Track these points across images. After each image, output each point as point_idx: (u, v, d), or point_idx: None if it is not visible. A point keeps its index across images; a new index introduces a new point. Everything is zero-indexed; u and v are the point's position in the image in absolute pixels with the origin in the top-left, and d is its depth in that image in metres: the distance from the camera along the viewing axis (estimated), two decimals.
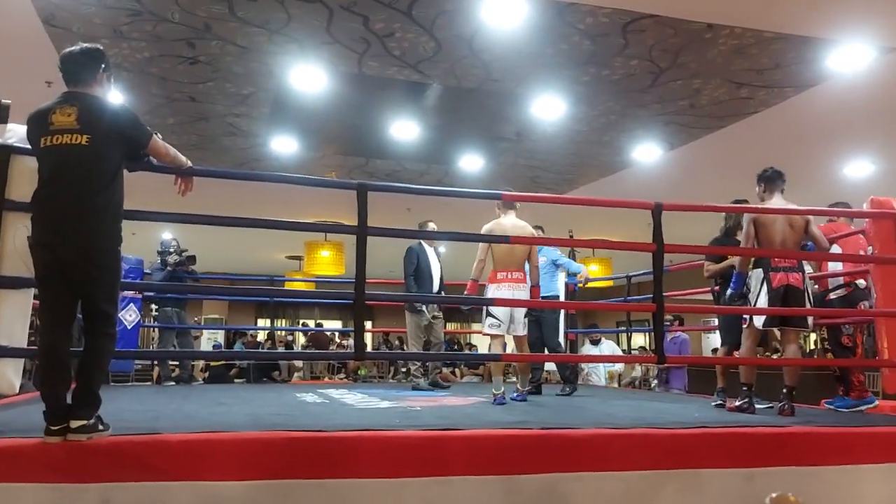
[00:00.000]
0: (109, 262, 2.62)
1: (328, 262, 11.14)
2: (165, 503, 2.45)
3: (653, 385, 9.38)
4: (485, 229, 4.75)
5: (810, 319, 4.31)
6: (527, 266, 4.81)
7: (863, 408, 4.39)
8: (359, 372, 11.97)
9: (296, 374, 11.50)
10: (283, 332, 14.60)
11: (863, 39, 5.16)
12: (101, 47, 2.80)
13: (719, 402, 4.56)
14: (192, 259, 7.29)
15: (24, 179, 2.94)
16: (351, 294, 3.48)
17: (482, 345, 16.29)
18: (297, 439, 2.70)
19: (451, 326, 17.02)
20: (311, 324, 17.37)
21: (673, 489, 2.94)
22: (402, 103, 6.68)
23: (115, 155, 2.66)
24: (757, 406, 4.20)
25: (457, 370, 11.52)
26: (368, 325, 4.74)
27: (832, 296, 4.72)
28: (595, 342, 8.60)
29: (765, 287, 4.13)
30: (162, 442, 2.57)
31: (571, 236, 8.80)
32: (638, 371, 10.17)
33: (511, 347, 5.13)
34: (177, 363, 8.01)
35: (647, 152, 7.86)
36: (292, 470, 2.60)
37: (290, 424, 3.01)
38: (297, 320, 17.85)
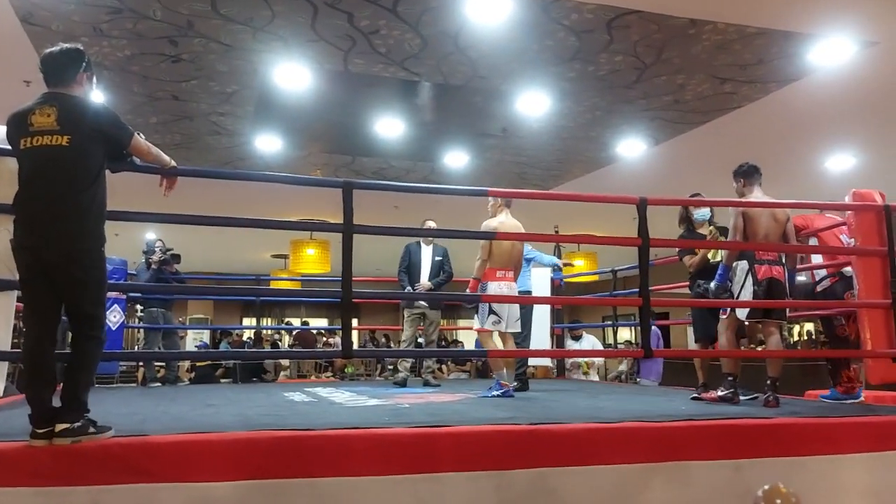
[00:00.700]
0: (94, 264, 2.59)
1: (314, 260, 11.09)
2: None
3: (639, 379, 9.44)
4: (489, 228, 4.80)
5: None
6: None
7: (848, 402, 4.44)
8: (346, 370, 11.95)
9: (282, 373, 11.45)
10: (270, 332, 14.55)
11: (844, 34, 5.21)
12: (82, 47, 2.78)
13: (695, 395, 4.59)
14: (177, 258, 7.23)
15: (5, 181, 2.90)
16: (338, 292, 3.47)
17: (468, 341, 16.34)
18: (286, 439, 2.69)
19: (441, 323, 17.01)
20: (297, 322, 17.32)
21: (661, 481, 2.96)
22: (388, 101, 6.66)
23: (96, 155, 2.63)
24: (742, 397, 4.24)
25: (444, 367, 11.53)
26: (354, 322, 4.72)
27: (819, 288, 4.77)
28: (576, 338, 8.62)
29: (750, 279, 4.17)
30: (150, 444, 2.55)
31: (557, 231, 8.82)
32: (624, 365, 10.23)
33: (497, 343, 5.14)
34: (162, 364, 7.95)
35: (633, 147, 7.90)
36: (282, 469, 2.59)
37: (280, 424, 2.99)
38: (283, 319, 17.78)
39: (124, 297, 6.71)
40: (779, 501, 2.03)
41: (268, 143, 7.78)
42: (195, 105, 6.67)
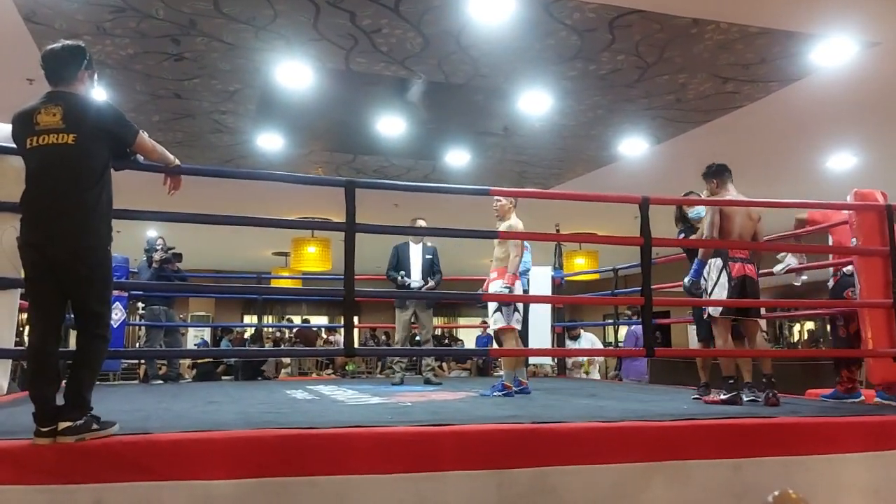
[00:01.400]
0: (99, 262, 2.60)
1: (315, 258, 11.11)
2: (158, 503, 2.45)
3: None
4: (522, 228, 5.02)
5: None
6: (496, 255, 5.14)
7: (848, 401, 4.45)
8: (347, 367, 11.96)
9: (283, 371, 11.47)
10: (272, 329, 14.56)
11: (846, 34, 5.21)
12: (83, 44, 2.77)
13: (696, 396, 4.60)
14: (179, 256, 7.24)
15: (10, 179, 2.91)
16: (340, 291, 3.48)
17: (468, 340, 16.35)
18: (288, 437, 2.71)
19: (437, 321, 17.04)
20: (298, 319, 17.33)
21: (662, 480, 2.97)
22: (390, 99, 6.66)
23: (101, 153, 2.64)
24: (744, 398, 4.24)
25: (444, 365, 11.55)
26: (355, 320, 4.72)
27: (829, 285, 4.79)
28: (574, 337, 8.62)
29: (724, 276, 4.22)
30: (153, 442, 2.56)
31: (558, 230, 8.83)
32: None
33: (513, 342, 5.17)
34: (164, 361, 7.97)
35: (634, 146, 7.90)
36: (285, 468, 2.60)
37: (282, 422, 3.01)
38: (284, 316, 17.79)
39: (126, 294, 6.73)
40: None
41: (269, 142, 7.79)
42: (197, 103, 6.68)
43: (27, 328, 2.64)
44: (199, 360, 9.95)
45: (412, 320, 6.28)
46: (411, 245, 6.37)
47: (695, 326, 5.09)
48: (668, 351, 7.42)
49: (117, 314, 6.41)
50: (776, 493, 2.08)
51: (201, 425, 2.88)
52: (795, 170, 8.68)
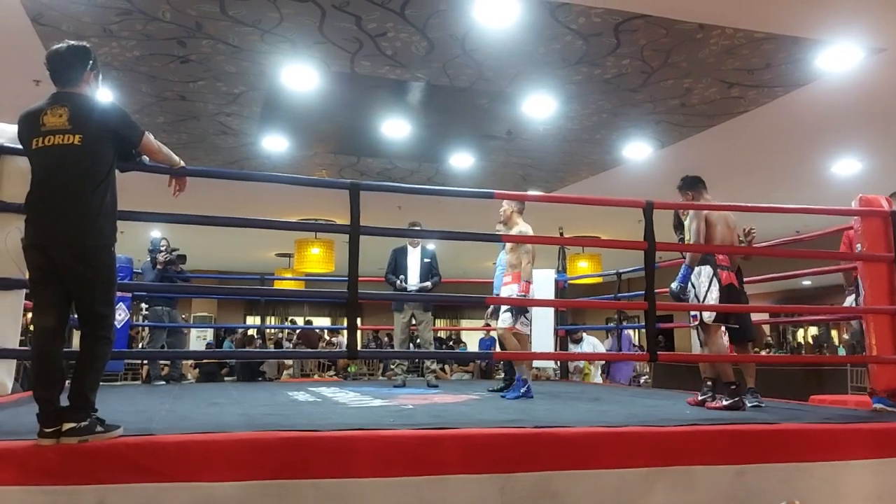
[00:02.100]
0: (104, 262, 2.60)
1: (318, 259, 11.13)
2: None
3: (643, 381, 9.43)
4: (531, 232, 5.08)
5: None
6: (502, 261, 5.27)
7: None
8: (349, 369, 11.96)
9: (285, 372, 11.47)
10: (275, 330, 14.56)
11: (851, 40, 5.21)
12: (88, 45, 2.77)
13: (703, 397, 4.59)
14: (183, 258, 7.26)
15: (16, 180, 2.92)
16: (344, 293, 3.48)
17: (472, 342, 16.34)
18: (291, 439, 2.70)
19: (441, 323, 17.04)
20: (301, 321, 17.34)
21: (665, 486, 2.96)
22: (394, 102, 6.67)
23: (107, 154, 2.64)
24: (748, 404, 4.23)
25: (446, 367, 11.55)
26: (358, 322, 4.73)
27: None
28: (576, 341, 8.61)
29: (716, 283, 4.28)
30: (157, 443, 2.56)
31: (562, 234, 8.82)
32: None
33: (514, 344, 5.18)
34: (167, 362, 7.98)
35: (638, 150, 7.90)
36: (287, 470, 2.60)
37: (284, 424, 3.01)
38: (287, 317, 17.81)
39: (129, 295, 6.75)
40: None
41: (274, 144, 7.81)
42: (203, 105, 6.70)
43: (31, 329, 2.64)
44: (203, 361, 9.96)
45: (411, 323, 6.29)
46: (409, 249, 6.39)
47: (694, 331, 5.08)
48: (671, 355, 7.39)
49: (121, 315, 6.43)
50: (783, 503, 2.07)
51: (204, 427, 2.88)
52: (800, 175, 8.67)
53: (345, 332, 3.70)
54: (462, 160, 8.38)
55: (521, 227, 5.07)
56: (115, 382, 7.78)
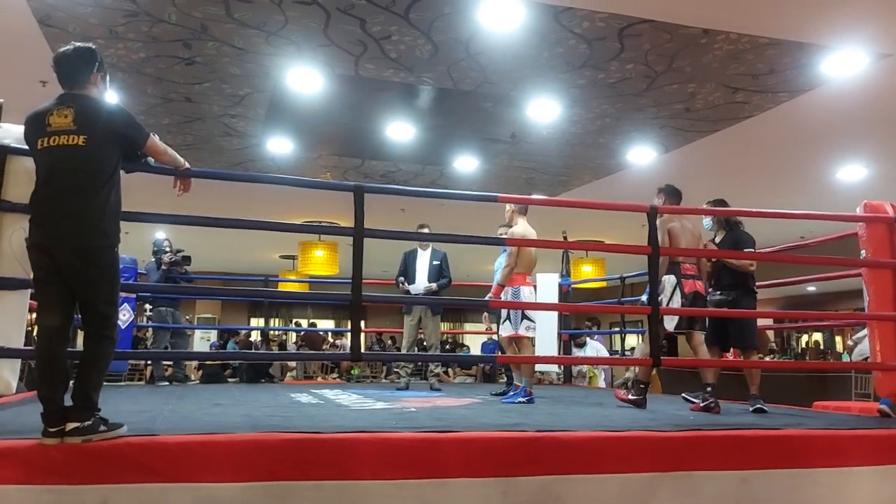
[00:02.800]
0: (107, 262, 2.61)
1: (322, 261, 11.13)
2: None
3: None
4: (517, 235, 4.94)
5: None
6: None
7: None
8: (352, 371, 11.96)
9: (289, 374, 11.48)
10: (278, 332, 14.57)
11: (856, 46, 5.20)
12: (95, 47, 2.78)
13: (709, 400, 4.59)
14: (188, 259, 7.28)
15: (21, 180, 2.94)
16: (347, 295, 3.49)
17: (474, 346, 16.32)
18: (293, 441, 2.71)
19: (444, 326, 17.03)
20: (305, 323, 17.34)
21: (667, 491, 2.95)
22: (398, 105, 6.69)
23: (112, 155, 2.66)
24: (750, 408, 4.22)
25: (450, 370, 11.54)
26: (362, 325, 4.73)
27: None
28: (580, 345, 8.60)
29: (678, 293, 4.38)
30: (159, 444, 2.56)
31: (565, 238, 8.82)
32: (631, 372, 10.19)
33: (514, 352, 5.17)
34: (171, 363, 7.99)
35: (642, 155, 7.89)
36: (289, 471, 2.60)
37: (287, 426, 3.01)
38: (291, 319, 17.81)
39: (134, 295, 6.77)
40: None
41: (279, 146, 7.82)
42: (208, 107, 6.72)
43: (35, 329, 2.65)
44: (207, 362, 9.97)
45: (419, 325, 6.32)
46: (419, 251, 6.42)
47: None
48: (673, 360, 7.37)
49: (126, 315, 6.44)
50: None
51: (207, 428, 2.88)
52: (805, 181, 8.65)
53: (348, 334, 3.70)
54: (466, 163, 8.38)
55: (519, 227, 5.02)
56: (118, 383, 7.79)
